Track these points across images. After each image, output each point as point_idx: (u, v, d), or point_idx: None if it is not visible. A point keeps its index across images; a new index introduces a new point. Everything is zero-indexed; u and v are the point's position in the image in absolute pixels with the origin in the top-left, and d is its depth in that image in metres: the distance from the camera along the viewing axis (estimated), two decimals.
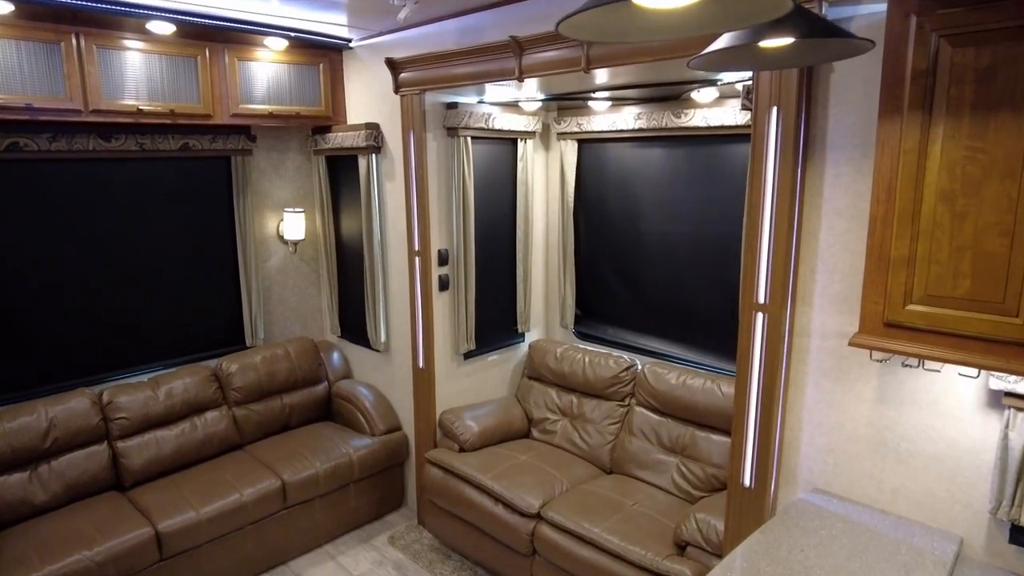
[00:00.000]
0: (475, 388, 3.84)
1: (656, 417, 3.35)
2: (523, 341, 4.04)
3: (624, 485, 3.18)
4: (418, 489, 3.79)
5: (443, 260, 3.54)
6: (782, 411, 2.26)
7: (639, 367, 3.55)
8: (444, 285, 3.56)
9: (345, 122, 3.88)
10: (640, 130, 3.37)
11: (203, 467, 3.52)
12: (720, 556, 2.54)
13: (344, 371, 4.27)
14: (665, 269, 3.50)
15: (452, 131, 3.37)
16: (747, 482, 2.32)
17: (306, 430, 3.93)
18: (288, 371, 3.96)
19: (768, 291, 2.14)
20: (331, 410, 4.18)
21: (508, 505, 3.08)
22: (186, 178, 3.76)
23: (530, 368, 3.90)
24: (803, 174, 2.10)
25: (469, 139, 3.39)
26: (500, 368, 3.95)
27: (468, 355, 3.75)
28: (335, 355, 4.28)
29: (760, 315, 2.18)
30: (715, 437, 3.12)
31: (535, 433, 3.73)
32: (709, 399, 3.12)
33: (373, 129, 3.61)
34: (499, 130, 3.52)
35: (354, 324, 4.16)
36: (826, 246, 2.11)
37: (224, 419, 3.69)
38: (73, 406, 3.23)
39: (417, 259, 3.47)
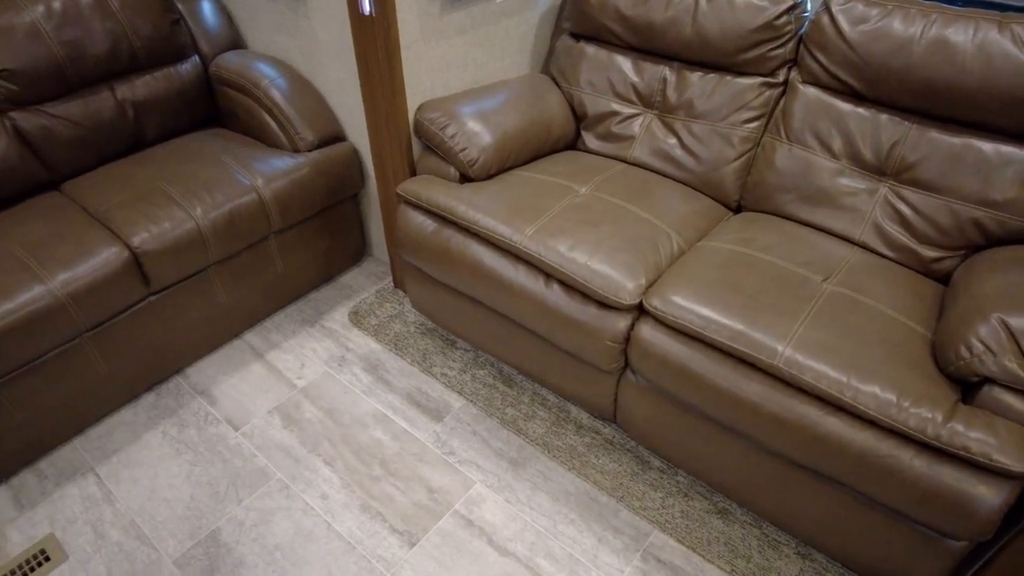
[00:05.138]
0: (472, 60, 2.06)
1: (847, 106, 1.72)
2: None
3: (781, 237, 1.70)
4: (389, 241, 2.26)
5: None
6: None
7: (811, 3, 1.80)
8: None
9: None
10: None
11: None
12: None
13: (227, 37, 2.36)
14: None
15: None
16: None
17: (176, 147, 2.19)
18: (112, 36, 2.05)
19: None
20: (216, 109, 2.39)
21: (575, 287, 1.60)
22: None
23: (576, 17, 2.07)
24: None
25: None
26: (515, 20, 2.12)
27: None
28: (204, 6, 2.32)
29: None
30: (988, 147, 1.55)
31: (590, 141, 2.09)
32: (993, 67, 1.48)
33: None
34: None
35: None
36: None
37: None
38: None
39: None
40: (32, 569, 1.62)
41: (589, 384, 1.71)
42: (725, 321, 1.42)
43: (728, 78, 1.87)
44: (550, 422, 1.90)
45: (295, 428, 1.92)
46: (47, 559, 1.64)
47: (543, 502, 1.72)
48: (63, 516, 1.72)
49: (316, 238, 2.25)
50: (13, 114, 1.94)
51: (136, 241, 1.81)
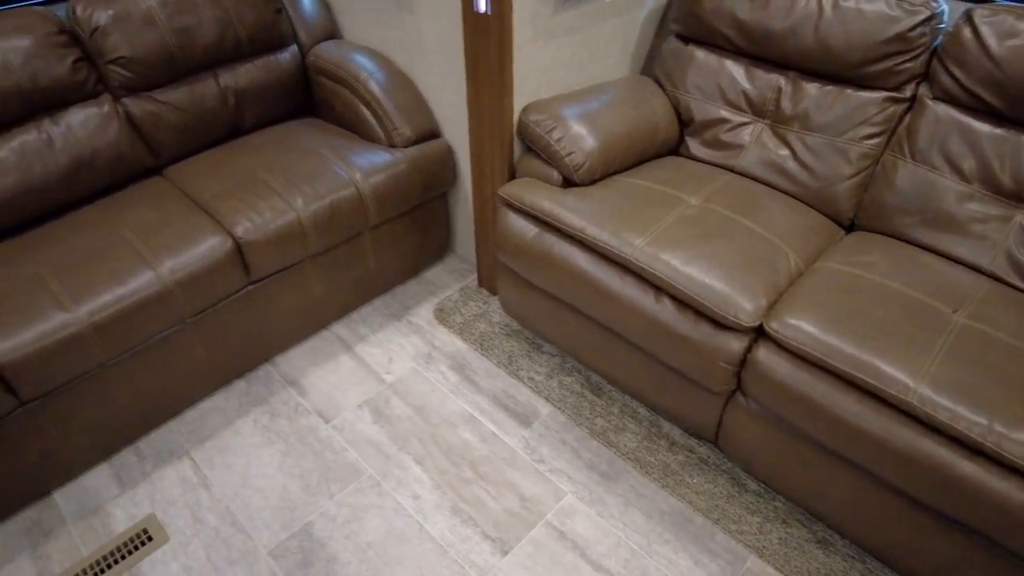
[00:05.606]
0: (577, 61, 2.02)
1: (984, 126, 1.63)
2: None
3: (902, 263, 1.62)
4: (479, 237, 2.24)
5: None
6: None
7: (948, 15, 1.71)
8: None
9: None
10: None
11: (78, 217, 1.89)
12: None
13: (325, 26, 2.37)
14: None
15: None
16: None
17: (272, 137, 2.21)
18: (220, 24, 2.07)
19: None
20: (311, 98, 2.40)
21: (689, 303, 1.55)
22: None
23: (686, 20, 2.01)
24: None
25: None
26: (621, 20, 2.07)
27: None
28: None
29: None
30: None
31: (695, 148, 2.03)
32: None
33: None
34: None
35: None
36: None
37: (110, 121, 1.94)
38: None
39: None
40: (136, 548, 1.66)
41: (692, 403, 1.67)
42: (851, 350, 1.36)
43: (849, 91, 1.79)
44: (641, 436, 1.86)
45: (385, 424, 1.93)
46: (149, 539, 1.68)
47: (637, 519, 1.69)
48: (163, 497, 1.76)
49: (407, 234, 2.25)
50: (126, 100, 1.97)
51: (239, 231, 1.83)
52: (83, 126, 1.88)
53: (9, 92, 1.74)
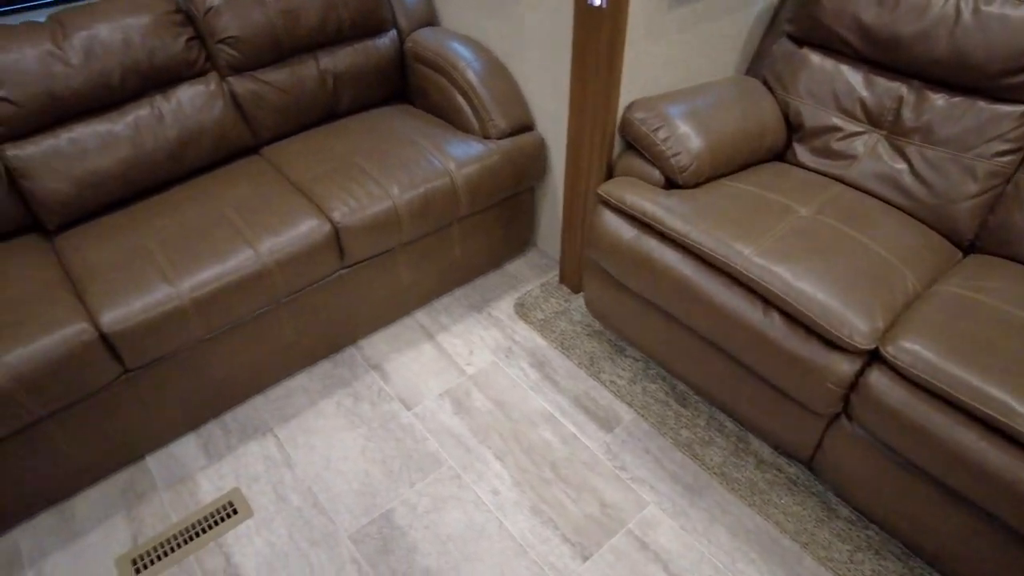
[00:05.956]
0: (684, 59, 1.95)
1: None
2: None
3: (1020, 287, 1.52)
4: (567, 234, 2.20)
5: None
6: None
7: None
8: None
9: None
10: None
11: (182, 192, 1.94)
12: None
13: (424, 13, 2.36)
14: None
15: None
16: None
17: (367, 122, 2.22)
18: (324, 7, 2.08)
19: None
20: (406, 84, 2.39)
21: (800, 319, 1.49)
22: None
23: (802, 21, 1.92)
24: None
25: None
26: (732, 18, 1.99)
27: None
28: None
29: None
30: None
31: (803, 155, 1.94)
32: None
33: None
34: None
35: None
36: None
37: (216, 100, 1.97)
38: None
39: None
40: (222, 519, 1.70)
41: (790, 422, 1.61)
42: (977, 382, 1.28)
43: (981, 103, 1.68)
44: (728, 451, 1.81)
45: (465, 416, 1.92)
46: (235, 511, 1.72)
47: (721, 536, 1.64)
48: (247, 473, 1.80)
49: (492, 226, 2.23)
50: (231, 79, 2.01)
51: (337, 215, 1.84)
52: (191, 103, 1.92)
53: (129, 68, 1.78)
